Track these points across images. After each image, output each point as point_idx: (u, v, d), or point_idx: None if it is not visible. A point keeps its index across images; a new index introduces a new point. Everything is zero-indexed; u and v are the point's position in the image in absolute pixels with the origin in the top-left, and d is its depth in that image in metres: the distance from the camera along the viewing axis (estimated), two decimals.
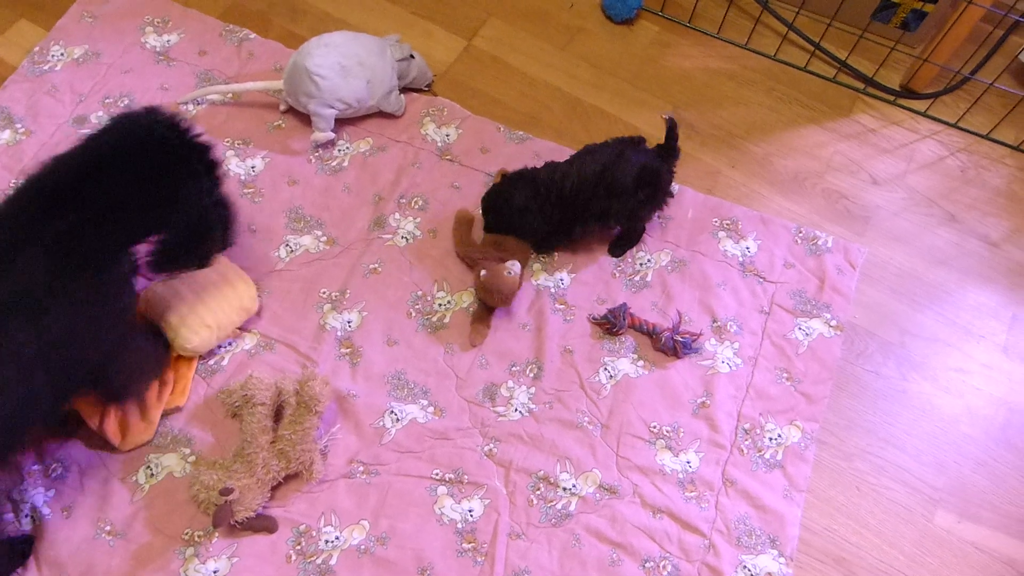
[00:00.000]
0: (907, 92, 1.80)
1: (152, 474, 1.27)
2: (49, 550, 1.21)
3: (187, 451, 1.30)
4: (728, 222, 1.60)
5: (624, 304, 1.45)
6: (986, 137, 1.75)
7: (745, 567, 1.28)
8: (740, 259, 1.56)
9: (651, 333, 1.43)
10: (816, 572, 1.30)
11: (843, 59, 1.80)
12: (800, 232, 1.60)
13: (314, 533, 1.25)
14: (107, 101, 1.61)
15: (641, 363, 1.44)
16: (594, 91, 1.75)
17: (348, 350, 1.41)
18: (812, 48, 1.83)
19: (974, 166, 1.72)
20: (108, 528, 1.23)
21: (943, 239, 1.63)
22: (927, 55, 1.70)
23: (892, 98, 1.80)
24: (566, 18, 1.85)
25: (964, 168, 1.72)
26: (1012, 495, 1.38)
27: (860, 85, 1.81)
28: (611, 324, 1.43)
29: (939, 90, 1.78)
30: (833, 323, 1.50)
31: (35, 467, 1.26)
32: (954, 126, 1.76)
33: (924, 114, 1.78)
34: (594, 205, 1.43)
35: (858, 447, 1.41)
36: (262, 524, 1.25)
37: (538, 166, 1.49)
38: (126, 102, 1.61)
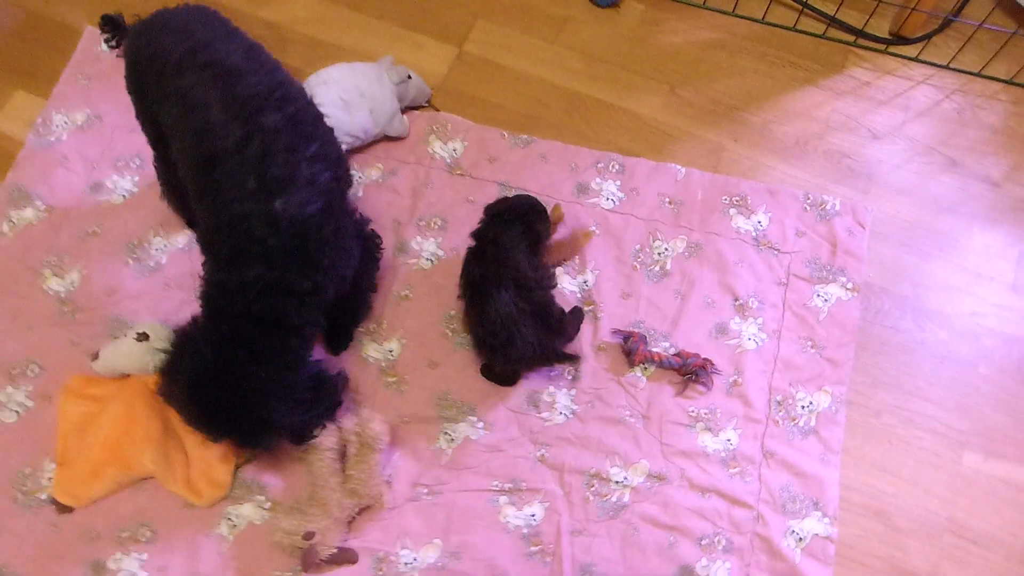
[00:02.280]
0: (898, 39, 1.81)
1: (234, 525, 1.36)
2: None
3: (262, 498, 1.38)
4: (737, 198, 1.64)
5: (641, 337, 1.48)
6: (979, 75, 1.78)
7: (793, 532, 1.38)
8: (753, 234, 1.61)
9: (660, 365, 1.48)
10: (859, 527, 1.39)
11: (832, 14, 1.81)
12: (808, 199, 1.64)
13: (392, 558, 1.35)
14: (119, 164, 1.64)
15: (672, 350, 1.50)
16: (588, 81, 1.77)
17: (394, 379, 1.48)
18: (800, 7, 1.83)
19: (970, 106, 1.75)
20: None
21: (946, 185, 1.68)
22: (915, 2, 1.71)
23: (883, 47, 1.81)
24: (552, 8, 1.85)
25: (960, 110, 1.75)
26: None
27: (851, 38, 1.82)
28: (626, 351, 1.49)
29: (928, 32, 1.80)
30: (849, 286, 1.56)
31: (124, 534, 1.35)
32: (946, 67, 1.79)
33: (916, 59, 1.80)
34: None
35: (885, 402, 1.49)
36: (344, 557, 1.34)
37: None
38: (138, 163, 1.64)
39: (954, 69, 1.78)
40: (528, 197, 1.52)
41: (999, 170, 1.69)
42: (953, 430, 1.47)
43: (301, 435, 1.31)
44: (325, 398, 1.30)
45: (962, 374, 1.51)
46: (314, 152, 1.19)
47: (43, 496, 1.38)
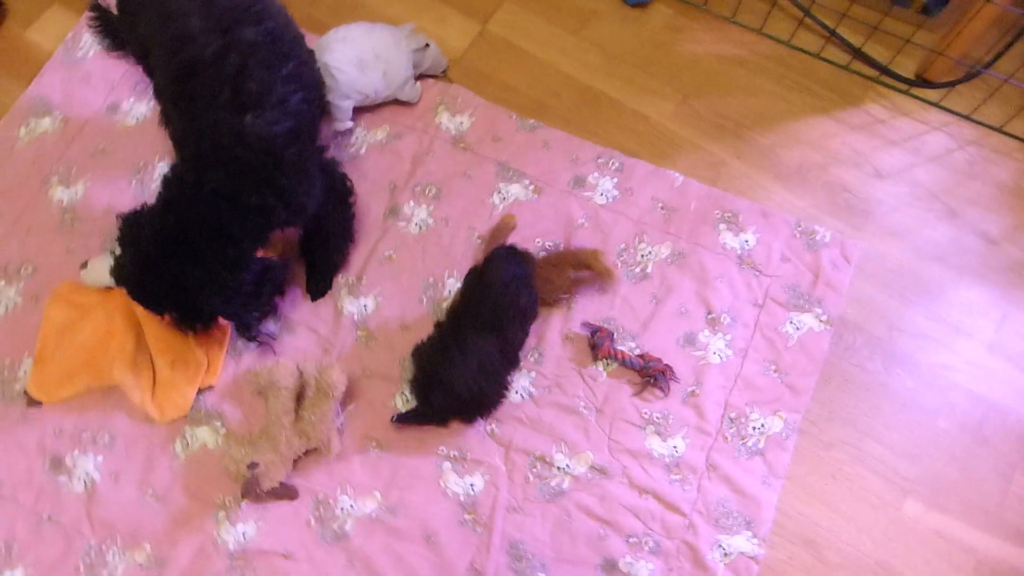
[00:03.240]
0: (921, 82, 1.80)
1: (188, 445, 1.42)
2: (100, 510, 1.37)
3: (218, 424, 1.44)
4: (729, 214, 1.65)
5: (609, 334, 1.50)
6: (999, 130, 1.76)
7: (720, 546, 1.40)
8: (738, 252, 1.62)
9: (623, 364, 1.50)
10: (786, 552, 1.41)
11: (858, 47, 1.80)
12: (800, 226, 1.65)
13: (331, 502, 1.40)
14: (137, 89, 1.70)
15: (637, 351, 1.53)
16: (604, 78, 1.79)
17: (364, 333, 1.53)
18: (827, 34, 1.83)
19: (982, 160, 1.74)
20: (151, 492, 1.39)
21: (941, 234, 1.67)
22: (944, 47, 1.70)
23: (906, 87, 1.80)
24: (581, 0, 1.87)
25: (972, 162, 1.74)
26: (981, 488, 1.47)
27: (874, 74, 1.81)
28: (592, 345, 1.51)
29: (954, 80, 1.78)
30: (824, 318, 1.57)
31: (85, 435, 1.42)
32: (967, 118, 1.77)
33: (937, 105, 1.78)
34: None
35: (838, 437, 1.50)
36: (285, 493, 1.40)
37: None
38: None
39: (974, 121, 1.77)
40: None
41: (999, 228, 1.68)
42: (900, 476, 1.47)
43: (243, 324, 1.37)
44: (265, 290, 1.35)
45: (920, 423, 1.51)
46: (289, 72, 1.23)
47: (17, 387, 1.45)
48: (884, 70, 1.80)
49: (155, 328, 1.45)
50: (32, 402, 1.43)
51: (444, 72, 1.77)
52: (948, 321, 1.59)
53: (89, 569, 1.33)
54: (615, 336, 1.53)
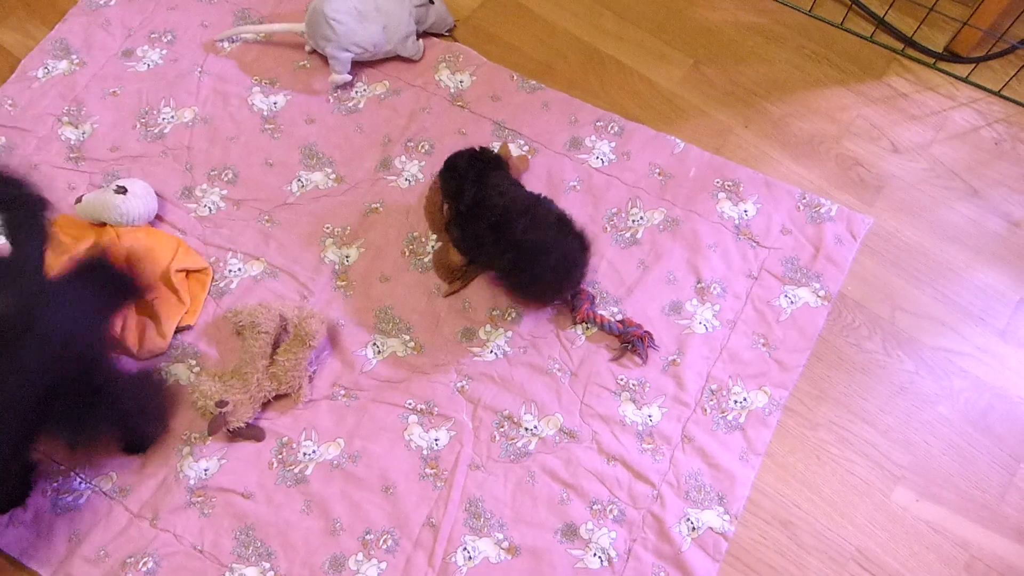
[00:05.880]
0: (950, 55, 1.69)
1: (163, 379, 1.44)
2: None
3: (193, 363, 1.46)
4: (730, 183, 1.59)
5: (589, 296, 1.46)
6: None
7: (688, 519, 1.34)
8: (736, 222, 1.56)
9: (601, 328, 1.45)
10: (759, 532, 1.34)
11: (882, 16, 1.71)
12: (804, 198, 1.57)
13: (294, 445, 1.39)
14: (152, 36, 1.75)
15: (619, 316, 1.48)
16: (614, 42, 1.75)
17: (343, 283, 1.52)
18: (850, 4, 1.74)
19: (1011, 139, 1.62)
20: None
21: (959, 215, 1.56)
22: (971, 15, 1.60)
23: (932, 61, 1.70)
24: None
25: (999, 140, 1.62)
26: (979, 480, 1.36)
27: (899, 46, 1.71)
28: (570, 307, 1.47)
29: (984, 54, 1.67)
30: (821, 293, 1.49)
31: None
32: (996, 94, 1.66)
33: (965, 80, 1.68)
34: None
35: (826, 417, 1.41)
36: (251, 433, 1.40)
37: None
38: (169, 37, 1.74)
39: (1005, 97, 1.65)
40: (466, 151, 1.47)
41: (1023, 211, 1.56)
42: (891, 462, 1.38)
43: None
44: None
45: (918, 409, 1.42)
46: None
47: None
48: (909, 42, 1.70)
49: (141, 265, 1.47)
50: None
51: (450, 31, 1.76)
52: (959, 304, 1.49)
53: (56, 492, 1.36)
54: (596, 299, 1.49)
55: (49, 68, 1.71)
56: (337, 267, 1.53)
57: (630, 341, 1.44)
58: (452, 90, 1.69)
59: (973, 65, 1.67)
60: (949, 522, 1.34)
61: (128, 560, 1.30)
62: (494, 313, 1.49)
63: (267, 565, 1.30)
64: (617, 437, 1.40)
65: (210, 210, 1.58)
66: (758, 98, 1.68)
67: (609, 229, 1.56)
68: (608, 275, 1.52)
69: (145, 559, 1.30)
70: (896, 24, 1.71)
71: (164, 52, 1.73)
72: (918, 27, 1.69)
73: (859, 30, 1.73)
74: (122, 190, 1.49)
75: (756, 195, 1.58)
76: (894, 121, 1.65)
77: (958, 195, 1.58)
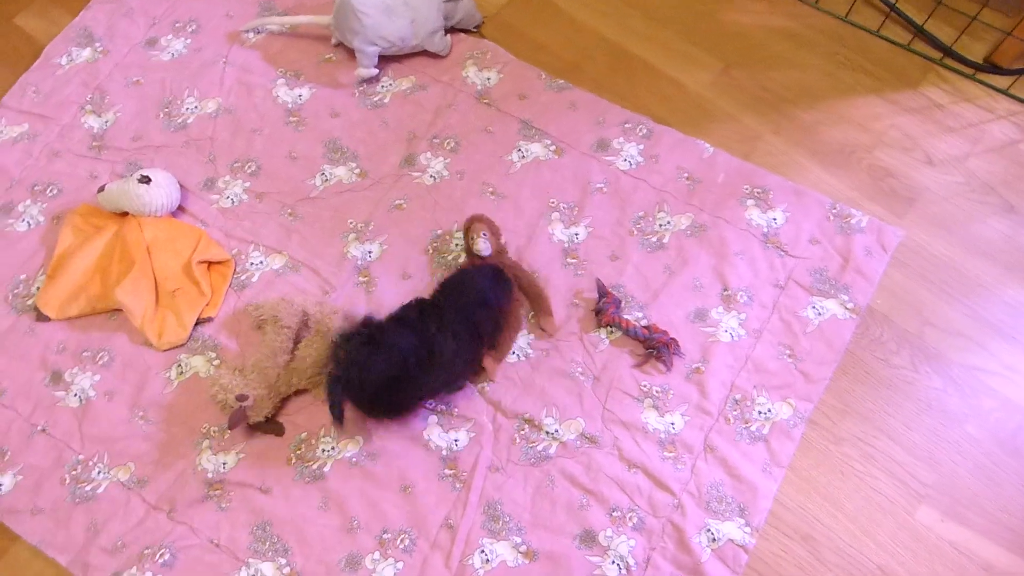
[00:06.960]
0: (990, 66, 1.66)
1: (182, 372, 1.44)
2: (92, 427, 1.40)
3: (213, 355, 1.45)
4: (759, 190, 1.56)
5: (615, 300, 1.44)
6: None
7: (709, 530, 1.32)
8: (764, 230, 1.53)
9: (626, 333, 1.43)
10: (780, 545, 1.32)
11: (921, 24, 1.68)
12: (834, 208, 1.54)
13: (312, 441, 1.39)
14: (176, 26, 1.73)
15: (644, 322, 1.46)
16: (642, 43, 1.72)
17: (365, 279, 1.51)
18: (887, 10, 1.71)
19: None
20: (142, 415, 1.40)
21: (993, 230, 1.53)
22: (1015, 27, 1.56)
23: (971, 71, 1.66)
24: None
25: None
26: (1007, 502, 1.34)
27: (937, 55, 1.68)
28: (596, 310, 1.45)
29: None
30: (850, 305, 1.47)
31: (85, 353, 1.45)
32: None
33: (1005, 92, 1.64)
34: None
35: (851, 432, 1.39)
36: (271, 428, 1.39)
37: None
38: (193, 27, 1.73)
39: None
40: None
41: None
42: (916, 480, 1.36)
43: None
44: None
45: (945, 427, 1.39)
46: None
47: (29, 302, 1.49)
48: (948, 51, 1.67)
49: (163, 256, 1.47)
50: (41, 316, 1.47)
51: (478, 27, 1.74)
52: (990, 321, 1.46)
53: (74, 481, 1.36)
54: (622, 304, 1.47)
55: (72, 55, 1.70)
56: (360, 263, 1.52)
57: (655, 347, 1.42)
58: (479, 87, 1.67)
59: (1015, 77, 1.64)
60: (973, 544, 1.32)
61: (145, 551, 1.30)
62: None
63: (283, 561, 1.30)
64: (639, 444, 1.38)
65: (232, 202, 1.57)
66: (789, 104, 1.66)
67: (636, 233, 1.54)
68: (634, 279, 1.50)
69: (162, 551, 1.30)
70: (935, 33, 1.68)
71: (188, 42, 1.72)
72: (959, 36, 1.65)
73: (896, 38, 1.70)
74: (146, 179, 1.47)
75: (785, 203, 1.55)
76: (929, 132, 1.62)
77: (993, 210, 1.55)
